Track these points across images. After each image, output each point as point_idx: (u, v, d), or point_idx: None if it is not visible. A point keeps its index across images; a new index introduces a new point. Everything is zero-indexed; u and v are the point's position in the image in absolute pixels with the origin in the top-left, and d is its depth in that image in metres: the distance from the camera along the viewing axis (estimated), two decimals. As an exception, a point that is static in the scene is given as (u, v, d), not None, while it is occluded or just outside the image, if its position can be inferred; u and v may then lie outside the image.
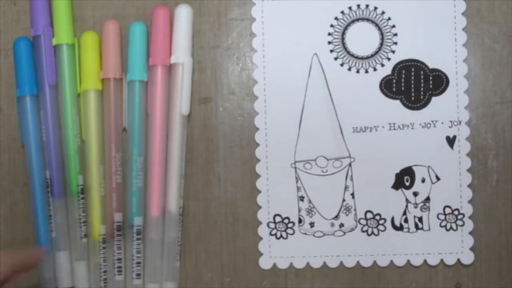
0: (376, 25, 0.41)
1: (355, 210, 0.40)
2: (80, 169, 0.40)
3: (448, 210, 0.40)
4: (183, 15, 0.40)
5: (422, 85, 0.40)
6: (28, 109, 0.40)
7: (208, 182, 0.41)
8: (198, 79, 0.41)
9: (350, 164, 0.40)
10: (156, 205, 0.39)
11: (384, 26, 0.40)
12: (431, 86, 0.40)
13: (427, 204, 0.40)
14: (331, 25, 0.41)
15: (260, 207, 0.40)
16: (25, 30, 0.41)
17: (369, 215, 0.40)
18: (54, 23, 0.40)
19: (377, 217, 0.40)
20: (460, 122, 0.40)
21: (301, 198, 0.40)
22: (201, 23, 0.41)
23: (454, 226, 0.40)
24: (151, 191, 0.39)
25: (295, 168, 0.40)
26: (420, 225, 0.40)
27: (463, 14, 0.40)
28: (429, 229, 0.40)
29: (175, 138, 0.40)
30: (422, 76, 0.40)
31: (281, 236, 0.40)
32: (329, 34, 0.41)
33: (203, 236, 0.41)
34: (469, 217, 0.40)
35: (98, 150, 0.40)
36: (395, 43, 0.40)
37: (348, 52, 0.41)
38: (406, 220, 0.40)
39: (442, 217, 0.40)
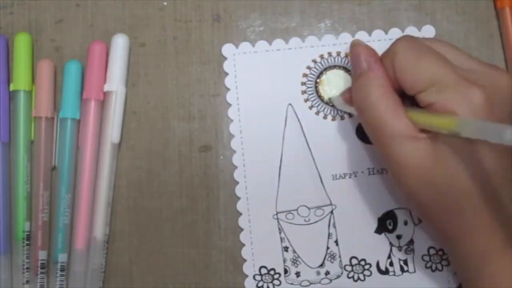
0: (348, 71, 0.41)
1: (340, 257, 0.40)
2: (27, 215, 0.40)
3: (432, 251, 0.40)
4: (119, 45, 0.40)
5: (398, 128, 0.40)
6: None
7: (208, 230, 0.41)
8: (198, 127, 0.41)
9: (332, 212, 0.40)
10: (81, 238, 0.40)
11: (357, 72, 0.40)
12: (407, 128, 0.40)
13: (411, 246, 0.40)
14: (304, 75, 0.41)
15: (245, 260, 0.40)
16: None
17: (354, 261, 0.40)
18: (13, 70, 0.40)
19: (362, 263, 0.40)
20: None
21: (285, 249, 0.40)
22: (202, 72, 0.41)
23: (439, 266, 0.40)
24: (77, 224, 0.40)
25: (277, 219, 0.40)
26: (405, 268, 0.40)
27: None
28: (415, 271, 0.40)
29: (105, 167, 0.40)
30: (397, 119, 0.40)
31: (268, 288, 0.40)
32: (303, 83, 0.41)
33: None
34: (454, 257, 0.40)
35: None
36: (369, 88, 0.40)
37: (322, 100, 0.41)
38: (391, 264, 0.40)
39: (427, 258, 0.40)
